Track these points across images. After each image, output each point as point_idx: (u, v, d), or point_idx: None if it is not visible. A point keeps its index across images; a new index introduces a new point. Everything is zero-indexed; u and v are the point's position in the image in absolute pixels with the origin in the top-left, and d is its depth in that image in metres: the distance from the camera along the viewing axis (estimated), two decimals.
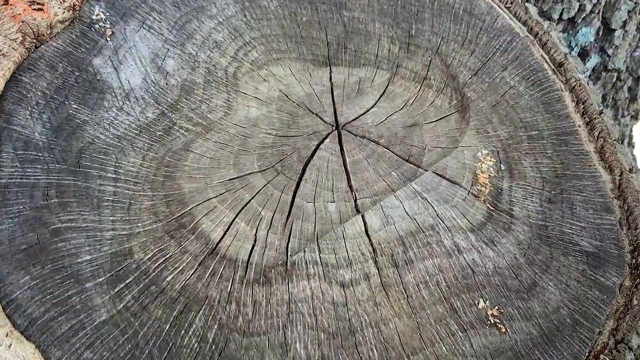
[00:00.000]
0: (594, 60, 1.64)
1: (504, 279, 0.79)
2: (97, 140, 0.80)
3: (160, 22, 0.92)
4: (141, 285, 0.72)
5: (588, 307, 0.78)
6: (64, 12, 0.84)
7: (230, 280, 0.74)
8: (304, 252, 0.77)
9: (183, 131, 0.86)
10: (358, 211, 0.82)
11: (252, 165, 0.85)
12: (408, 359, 0.71)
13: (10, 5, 0.81)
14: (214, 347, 0.69)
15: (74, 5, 0.85)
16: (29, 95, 0.79)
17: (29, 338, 0.66)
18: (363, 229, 0.80)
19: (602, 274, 0.81)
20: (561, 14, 1.55)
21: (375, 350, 0.71)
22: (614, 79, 1.68)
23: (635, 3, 1.63)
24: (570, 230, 0.85)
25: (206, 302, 0.72)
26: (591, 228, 0.85)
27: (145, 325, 0.69)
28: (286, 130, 0.91)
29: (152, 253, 0.74)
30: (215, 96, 0.91)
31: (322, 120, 0.93)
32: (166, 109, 0.87)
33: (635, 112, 1.81)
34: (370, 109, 0.95)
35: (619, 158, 0.91)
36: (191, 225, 0.77)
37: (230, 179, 0.83)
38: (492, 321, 0.75)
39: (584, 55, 1.64)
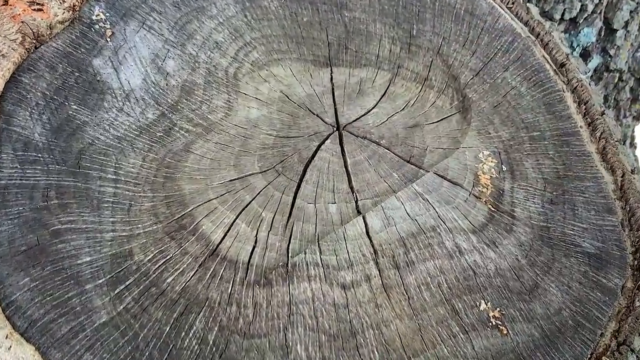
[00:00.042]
0: (595, 60, 1.64)
1: (506, 280, 0.78)
2: (97, 141, 0.80)
3: (160, 22, 0.92)
4: (141, 287, 0.71)
5: (590, 309, 0.78)
6: (63, 13, 0.84)
7: (231, 282, 0.74)
8: (305, 253, 0.76)
9: (183, 132, 0.86)
10: (359, 212, 0.82)
11: (253, 166, 0.85)
12: None
13: (10, 5, 0.81)
14: (214, 349, 0.69)
15: (74, 6, 0.85)
16: (28, 96, 0.78)
17: (28, 340, 0.66)
18: (364, 230, 0.79)
19: (604, 275, 0.81)
20: (563, 14, 1.54)
21: (376, 352, 0.71)
22: (616, 80, 1.68)
23: (637, 3, 1.63)
24: (572, 232, 0.84)
25: (207, 304, 0.72)
26: (593, 229, 0.85)
27: (146, 327, 0.69)
28: (287, 131, 0.90)
29: (152, 254, 0.74)
30: (216, 97, 0.91)
31: (323, 121, 0.92)
32: (166, 110, 0.87)
33: (637, 113, 1.81)
34: (371, 109, 0.95)
35: (621, 159, 0.91)
36: (191, 227, 0.77)
37: (230, 180, 0.83)
38: (494, 323, 0.75)
39: (585, 55, 1.63)
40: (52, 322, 0.67)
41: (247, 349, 0.69)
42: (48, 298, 0.68)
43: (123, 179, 0.79)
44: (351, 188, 0.85)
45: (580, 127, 0.94)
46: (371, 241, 0.79)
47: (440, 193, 0.85)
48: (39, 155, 0.76)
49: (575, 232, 0.84)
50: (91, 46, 0.85)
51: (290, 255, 0.77)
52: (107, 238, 0.74)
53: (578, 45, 1.60)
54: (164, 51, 0.90)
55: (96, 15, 0.87)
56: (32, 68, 0.80)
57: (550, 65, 1.00)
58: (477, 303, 0.76)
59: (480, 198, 0.85)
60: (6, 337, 0.65)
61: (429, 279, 0.77)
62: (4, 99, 0.77)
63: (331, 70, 0.99)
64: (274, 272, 0.75)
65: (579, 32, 1.58)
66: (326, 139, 0.90)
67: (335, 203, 0.83)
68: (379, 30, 1.02)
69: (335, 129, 0.92)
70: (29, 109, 0.78)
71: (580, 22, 1.58)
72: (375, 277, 0.76)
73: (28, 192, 0.73)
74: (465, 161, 0.89)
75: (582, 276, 0.80)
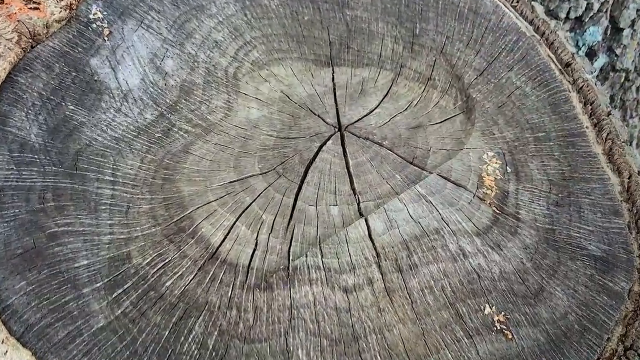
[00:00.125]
0: (601, 60, 1.62)
1: (511, 284, 0.77)
2: (94, 142, 0.79)
3: (159, 21, 0.90)
4: (140, 291, 0.70)
5: (596, 313, 0.77)
6: (60, 11, 0.83)
7: (231, 286, 0.73)
8: (306, 256, 0.75)
9: (182, 133, 0.85)
10: (361, 215, 0.81)
11: (253, 167, 0.84)
12: None
13: (6, 4, 0.80)
14: (214, 353, 0.68)
15: (71, 4, 0.84)
16: (24, 96, 0.77)
17: (25, 345, 0.65)
18: (366, 232, 0.78)
19: (610, 278, 0.80)
20: (568, 13, 1.53)
21: (379, 357, 0.70)
22: (622, 79, 1.66)
23: None
24: (577, 234, 0.83)
25: (206, 308, 0.71)
26: (599, 232, 0.83)
27: (144, 332, 0.68)
28: (288, 132, 0.89)
29: (150, 258, 0.73)
30: (215, 97, 0.89)
31: (325, 121, 0.91)
32: (165, 110, 0.85)
33: None
34: (373, 110, 0.94)
35: (628, 160, 0.90)
36: (191, 229, 0.76)
37: (230, 182, 0.82)
38: (499, 327, 0.74)
39: (591, 55, 1.62)
40: (48, 326, 0.66)
41: (248, 353, 0.68)
42: (45, 302, 0.67)
43: (121, 180, 0.78)
44: (353, 190, 0.84)
45: (586, 127, 0.93)
46: (373, 244, 0.77)
47: (444, 195, 0.83)
48: (36, 156, 0.75)
49: (581, 235, 0.83)
50: (88, 45, 0.84)
51: (291, 258, 0.76)
52: (105, 241, 0.73)
53: (584, 44, 1.59)
54: (163, 50, 0.89)
55: (93, 14, 0.86)
56: (28, 68, 0.79)
57: (556, 64, 0.98)
58: (482, 307, 0.75)
59: (484, 200, 0.84)
60: (2, 342, 0.64)
61: (432, 282, 0.76)
62: (0, 100, 0.75)
63: (333, 69, 0.98)
64: (274, 275, 0.74)
65: (585, 31, 1.57)
66: (328, 139, 0.89)
67: (337, 205, 0.82)
68: (381, 29, 1.00)
69: (336, 129, 0.90)
70: (25, 109, 0.77)
71: (586, 20, 1.56)
72: (377, 280, 0.75)
73: (24, 194, 0.72)
74: (469, 162, 0.87)
75: (588, 279, 0.79)
